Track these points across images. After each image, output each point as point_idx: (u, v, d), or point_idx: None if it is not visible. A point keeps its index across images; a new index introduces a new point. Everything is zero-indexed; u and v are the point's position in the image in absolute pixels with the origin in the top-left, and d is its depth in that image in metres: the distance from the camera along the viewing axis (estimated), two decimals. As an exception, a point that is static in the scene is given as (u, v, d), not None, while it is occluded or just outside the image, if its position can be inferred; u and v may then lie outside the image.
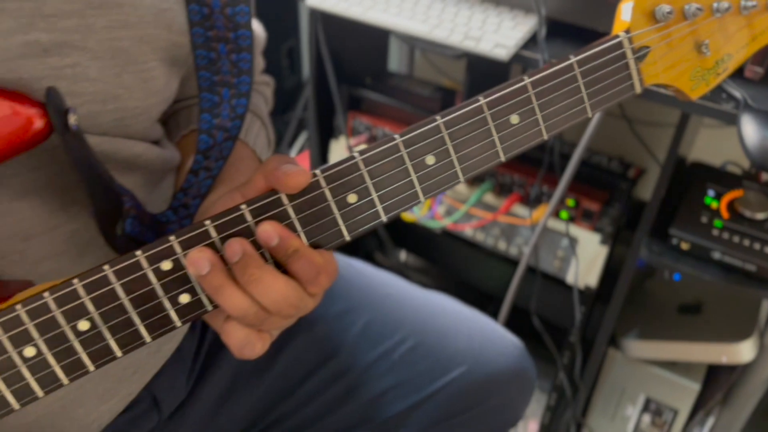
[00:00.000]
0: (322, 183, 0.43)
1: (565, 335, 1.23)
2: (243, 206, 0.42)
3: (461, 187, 1.20)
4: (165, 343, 0.58)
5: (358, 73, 1.32)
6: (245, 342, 0.42)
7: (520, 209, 1.14)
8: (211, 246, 0.42)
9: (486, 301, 1.40)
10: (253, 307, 0.41)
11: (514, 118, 0.47)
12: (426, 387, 0.68)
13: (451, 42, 0.93)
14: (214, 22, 0.51)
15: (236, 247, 0.40)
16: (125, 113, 0.49)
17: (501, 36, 0.89)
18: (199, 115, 0.52)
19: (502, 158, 0.47)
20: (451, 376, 0.68)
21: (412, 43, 1.14)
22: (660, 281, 1.32)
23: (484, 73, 1.28)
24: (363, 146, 1.26)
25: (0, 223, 0.44)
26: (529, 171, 1.14)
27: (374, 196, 0.44)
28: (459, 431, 0.71)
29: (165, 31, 0.49)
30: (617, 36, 0.49)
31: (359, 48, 1.32)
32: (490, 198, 1.17)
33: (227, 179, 0.52)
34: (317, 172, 0.43)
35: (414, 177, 0.45)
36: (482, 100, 0.46)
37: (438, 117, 0.45)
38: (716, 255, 0.94)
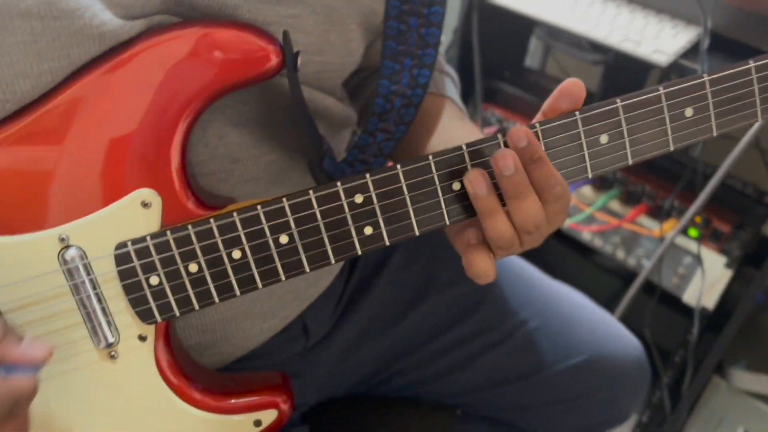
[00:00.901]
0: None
1: (669, 354, 1.21)
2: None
3: (586, 190, 1.21)
4: (320, 279, 0.64)
5: (495, 65, 1.35)
6: (487, 270, 0.48)
7: (645, 220, 1.14)
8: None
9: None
10: (510, 231, 0.46)
11: (689, 112, 0.49)
12: (545, 368, 0.71)
13: (610, 42, 0.95)
14: None
15: (509, 162, 0.44)
16: (325, 67, 0.55)
17: (661, 42, 0.90)
18: (378, 81, 0.57)
19: (671, 147, 0.50)
20: (570, 362, 0.71)
21: (551, 42, 1.16)
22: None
23: (620, 81, 1.29)
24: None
25: (215, 144, 0.51)
26: (660, 183, 1.13)
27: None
28: (569, 415, 0.73)
29: None
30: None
31: (500, 41, 1.35)
32: (615, 205, 1.17)
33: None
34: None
35: (586, 152, 0.48)
36: (662, 90, 0.49)
37: (618, 100, 0.48)
38: None
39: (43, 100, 0.44)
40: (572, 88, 0.47)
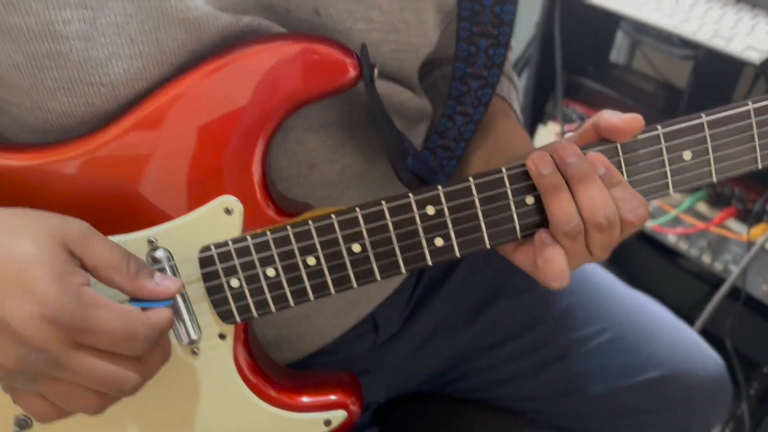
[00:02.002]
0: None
1: (754, 365, 1.15)
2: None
3: (672, 191, 1.16)
4: (391, 280, 0.65)
5: (578, 60, 1.31)
6: (563, 272, 0.47)
7: (734, 224, 1.08)
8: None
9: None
10: (575, 215, 0.46)
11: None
12: (619, 380, 0.69)
13: (699, 38, 0.90)
14: None
15: (570, 150, 0.45)
16: (401, 47, 0.55)
17: (754, 39, 0.85)
18: (454, 64, 0.57)
19: (759, 165, 0.48)
20: (645, 377, 0.69)
21: (639, 37, 1.12)
22: None
23: (712, 77, 1.23)
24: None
25: (294, 150, 0.53)
26: (750, 185, 1.07)
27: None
28: (640, 431, 0.72)
29: None
30: None
31: (584, 35, 1.31)
32: (702, 207, 1.12)
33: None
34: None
35: (668, 169, 0.47)
36: (750, 105, 0.46)
37: (703, 115, 0.46)
38: None
39: (137, 105, 0.46)
40: (637, 126, 0.46)
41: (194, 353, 0.51)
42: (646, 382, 0.69)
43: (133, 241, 0.48)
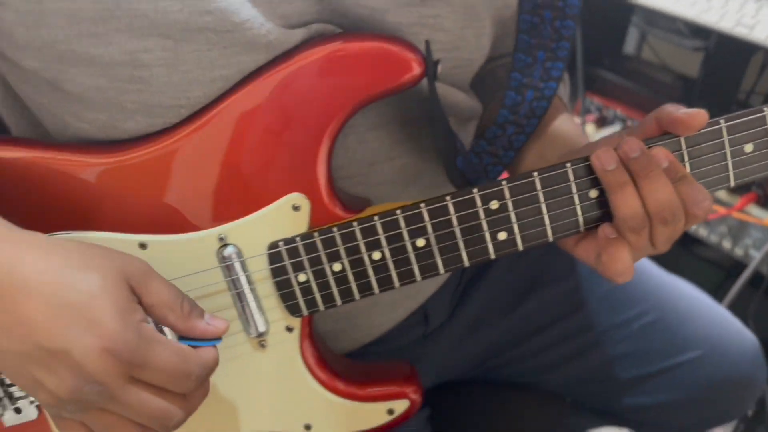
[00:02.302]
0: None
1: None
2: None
3: (691, 179, 1.18)
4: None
5: (594, 53, 1.32)
6: (628, 267, 0.49)
7: (754, 209, 1.10)
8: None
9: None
10: (641, 210, 0.47)
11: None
12: (658, 362, 0.71)
13: (721, 27, 0.92)
14: None
15: (634, 145, 0.46)
16: (459, 63, 0.56)
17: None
18: (510, 74, 0.58)
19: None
20: (685, 357, 0.71)
21: (648, 29, 1.12)
22: None
23: (721, 67, 1.25)
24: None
25: (355, 148, 0.54)
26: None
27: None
28: (681, 412, 0.73)
29: None
30: None
31: (599, 28, 1.32)
32: (722, 194, 1.13)
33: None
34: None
35: (730, 162, 0.48)
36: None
37: (765, 108, 0.47)
38: None
39: (209, 107, 0.48)
40: (702, 120, 0.47)
41: (262, 346, 0.53)
42: (685, 362, 0.71)
43: (205, 237, 0.50)
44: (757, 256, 1.10)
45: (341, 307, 0.59)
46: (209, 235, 0.50)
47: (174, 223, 0.50)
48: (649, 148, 0.47)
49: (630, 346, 0.72)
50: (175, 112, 0.47)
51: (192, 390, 0.44)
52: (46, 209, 0.49)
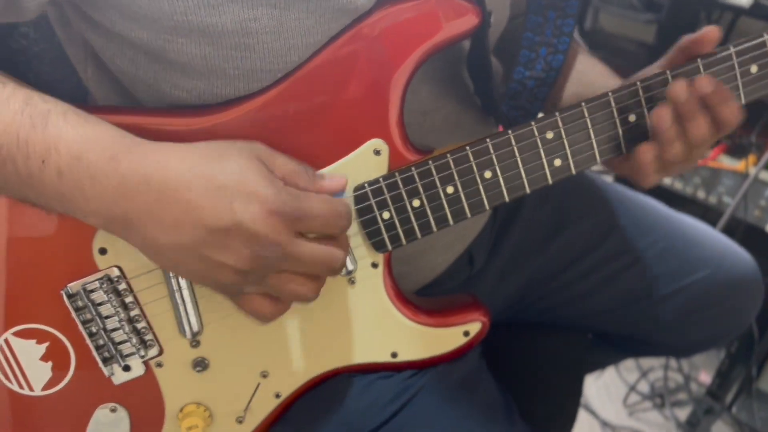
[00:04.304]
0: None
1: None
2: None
3: (664, 137, 1.29)
4: (481, 217, 0.73)
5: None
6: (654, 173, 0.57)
7: (725, 159, 1.21)
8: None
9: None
10: (684, 151, 0.55)
11: (754, 68, 0.56)
12: (675, 283, 0.80)
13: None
14: None
15: (682, 89, 0.53)
16: (494, 25, 0.63)
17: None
18: (522, 34, 0.65)
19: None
20: (697, 276, 0.80)
21: (601, 5, 1.22)
22: None
23: (673, 37, 1.37)
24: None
25: (411, 99, 0.60)
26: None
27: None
28: (698, 325, 0.82)
29: None
30: None
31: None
32: (694, 148, 1.25)
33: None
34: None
35: (740, 82, 0.57)
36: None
37: (765, 34, 0.56)
38: None
39: (298, 68, 0.53)
40: (715, 35, 0.55)
41: (351, 283, 0.58)
42: (696, 281, 0.79)
43: (299, 185, 0.55)
44: (731, 202, 1.22)
45: (404, 250, 0.65)
46: (304, 182, 0.55)
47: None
48: (675, 77, 0.55)
49: (649, 271, 0.80)
50: (273, 77, 0.52)
51: (345, 228, 0.50)
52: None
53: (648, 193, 1.38)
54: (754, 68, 0.57)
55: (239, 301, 0.51)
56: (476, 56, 0.59)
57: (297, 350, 0.59)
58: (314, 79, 0.53)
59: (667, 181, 1.30)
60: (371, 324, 0.60)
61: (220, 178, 0.45)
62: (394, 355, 0.61)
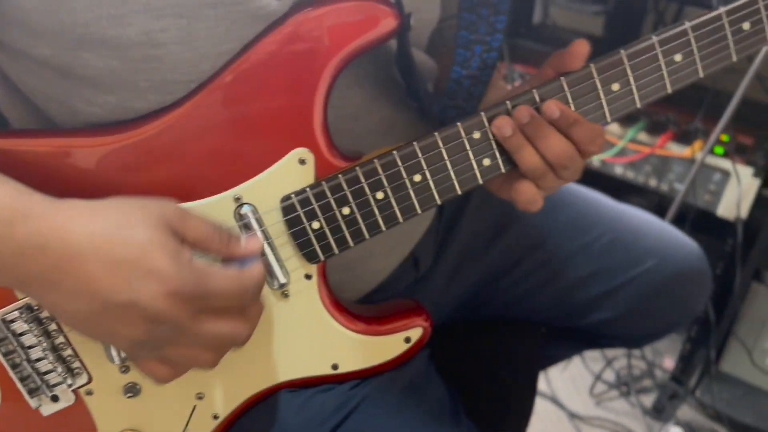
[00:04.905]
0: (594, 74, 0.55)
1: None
2: (533, 90, 0.55)
3: (613, 127, 1.29)
4: (424, 219, 0.72)
5: (507, 24, 1.43)
6: (532, 198, 0.56)
7: (673, 146, 1.23)
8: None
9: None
10: (541, 163, 0.55)
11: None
12: (621, 275, 0.80)
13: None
14: None
15: (524, 112, 0.54)
16: (420, 23, 0.62)
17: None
18: (457, 33, 0.64)
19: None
20: (643, 267, 0.80)
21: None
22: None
23: (620, 28, 1.41)
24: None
25: (340, 105, 0.59)
26: (683, 111, 1.22)
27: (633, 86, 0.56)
28: (647, 318, 0.82)
29: None
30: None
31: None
32: (643, 136, 1.26)
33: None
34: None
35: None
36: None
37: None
38: None
39: (212, 78, 0.51)
40: (584, 49, 0.56)
41: (285, 296, 0.57)
42: (643, 272, 0.80)
43: (222, 200, 0.53)
44: (681, 188, 1.23)
45: (344, 259, 0.64)
46: (225, 197, 0.53)
47: (191, 191, 0.53)
48: (542, 102, 0.54)
49: (594, 266, 0.80)
50: (186, 87, 0.51)
51: (250, 304, 0.49)
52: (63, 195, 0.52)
53: (600, 185, 1.39)
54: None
55: (135, 363, 0.50)
56: (401, 58, 0.59)
57: (232, 370, 0.57)
58: (230, 88, 0.52)
59: (618, 170, 1.31)
60: (309, 337, 0.59)
61: (121, 252, 0.43)
62: (335, 367, 0.60)
